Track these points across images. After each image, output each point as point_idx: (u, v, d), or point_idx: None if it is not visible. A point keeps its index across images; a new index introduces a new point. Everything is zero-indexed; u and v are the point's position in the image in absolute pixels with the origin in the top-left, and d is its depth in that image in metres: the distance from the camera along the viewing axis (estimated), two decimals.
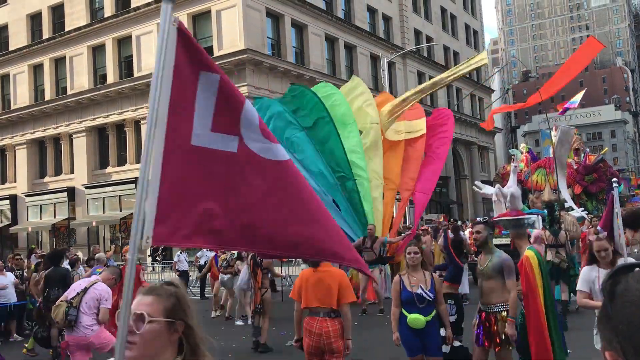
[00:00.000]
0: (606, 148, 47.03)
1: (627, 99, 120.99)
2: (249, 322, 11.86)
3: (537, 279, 5.71)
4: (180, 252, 17.87)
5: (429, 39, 45.28)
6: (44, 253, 17.08)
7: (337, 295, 5.48)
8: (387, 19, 41.50)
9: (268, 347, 9.65)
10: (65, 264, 12.67)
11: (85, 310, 6.09)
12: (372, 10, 39.70)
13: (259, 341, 9.77)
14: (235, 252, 14.15)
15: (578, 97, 22.85)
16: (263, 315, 9.75)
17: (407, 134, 13.20)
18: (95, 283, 6.27)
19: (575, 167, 22.75)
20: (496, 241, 16.40)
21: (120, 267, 10.42)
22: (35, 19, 37.26)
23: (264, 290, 9.82)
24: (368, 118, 12.61)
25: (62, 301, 6.23)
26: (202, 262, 17.36)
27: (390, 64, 34.43)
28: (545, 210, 11.97)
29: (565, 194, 16.83)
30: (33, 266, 13.44)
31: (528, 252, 6.15)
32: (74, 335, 6.05)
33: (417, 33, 44.63)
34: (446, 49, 49.01)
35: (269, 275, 10.41)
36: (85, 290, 6.14)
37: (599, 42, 13.95)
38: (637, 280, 0.99)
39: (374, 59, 37.91)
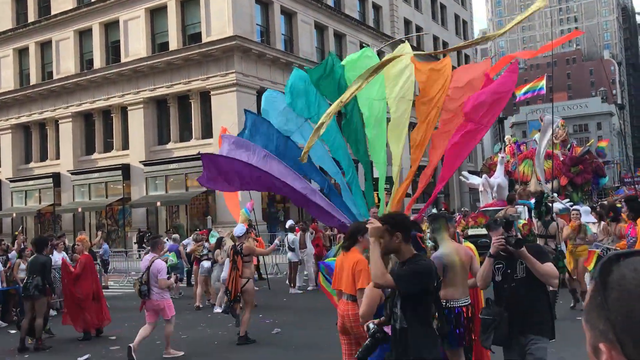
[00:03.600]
0: (592, 140, 47.37)
1: (614, 91, 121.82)
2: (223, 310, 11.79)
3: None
4: (167, 240, 17.77)
5: (418, 29, 45.21)
6: (21, 237, 17.01)
7: (353, 280, 5.22)
8: (376, 8, 41.36)
9: (249, 340, 9.31)
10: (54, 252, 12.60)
11: (153, 283, 8.44)
12: None
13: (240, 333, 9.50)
14: (213, 240, 14.15)
15: (542, 83, 22.76)
16: (244, 306, 9.45)
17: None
18: (153, 262, 8.48)
19: (561, 158, 22.91)
20: (482, 231, 16.52)
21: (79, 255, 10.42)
22: (20, 2, 36.67)
23: (244, 280, 9.42)
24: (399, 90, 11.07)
25: (136, 280, 8.74)
26: (187, 249, 17.30)
27: (380, 53, 34.31)
28: (532, 201, 12.00)
29: (544, 184, 16.66)
30: (17, 252, 13.35)
31: (469, 244, 6.13)
32: (149, 301, 8.51)
33: (407, 22, 44.53)
34: (435, 38, 48.96)
35: (251, 264, 9.95)
36: (148, 269, 8.45)
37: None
38: (632, 268, 0.97)
39: (364, 48, 37.74)
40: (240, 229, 10.05)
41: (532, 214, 10.63)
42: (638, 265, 0.97)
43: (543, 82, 22.68)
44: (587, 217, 11.87)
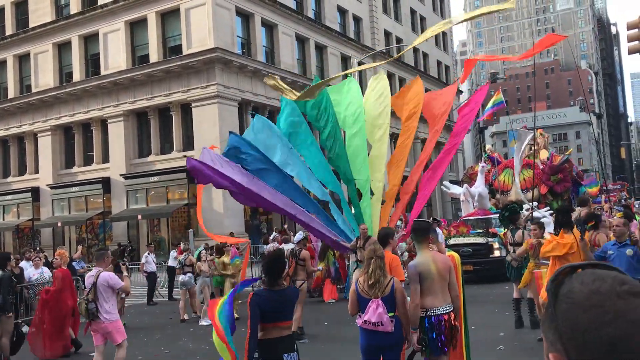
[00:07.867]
0: (571, 149, 48.08)
1: (592, 100, 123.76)
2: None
3: (460, 279, 5.93)
4: (148, 254, 17.59)
5: (398, 40, 45.57)
6: None
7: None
8: (357, 20, 41.63)
9: (302, 335, 10.10)
10: (26, 265, 12.36)
11: (101, 301, 7.16)
12: (342, 11, 39.77)
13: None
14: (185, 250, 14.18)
15: (500, 96, 22.95)
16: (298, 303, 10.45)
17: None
18: (99, 275, 7.26)
19: (541, 167, 23.13)
20: (463, 240, 16.62)
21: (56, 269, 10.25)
22: None
23: (300, 282, 10.59)
24: (380, 115, 11.61)
25: (81, 299, 7.45)
26: (169, 263, 17.19)
27: (360, 65, 34.52)
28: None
29: (520, 193, 16.87)
30: None
31: (453, 253, 6.23)
32: (96, 322, 7.18)
33: (387, 34, 44.89)
34: (416, 50, 49.40)
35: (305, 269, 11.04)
36: (94, 284, 7.20)
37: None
38: (581, 281, 1.00)
39: (345, 60, 37.99)
40: (298, 235, 11.46)
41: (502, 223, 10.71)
42: (585, 278, 1.00)
43: (501, 95, 22.98)
44: (551, 228, 10.55)
